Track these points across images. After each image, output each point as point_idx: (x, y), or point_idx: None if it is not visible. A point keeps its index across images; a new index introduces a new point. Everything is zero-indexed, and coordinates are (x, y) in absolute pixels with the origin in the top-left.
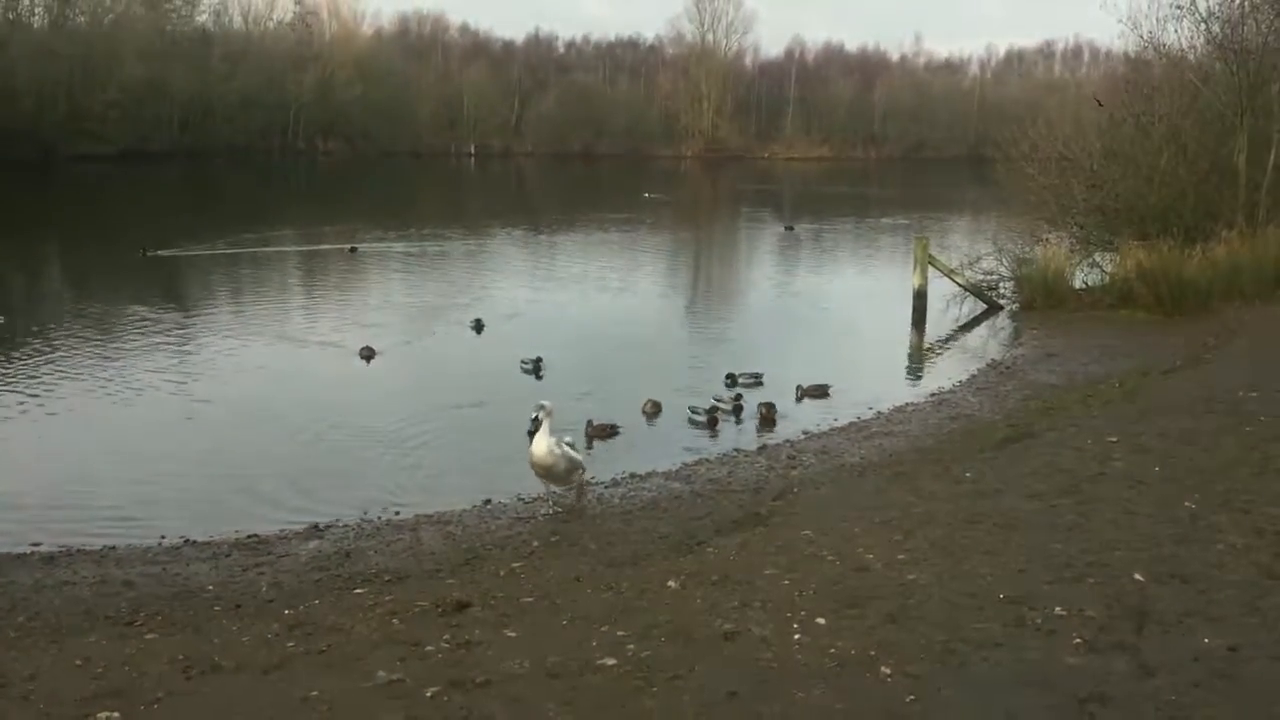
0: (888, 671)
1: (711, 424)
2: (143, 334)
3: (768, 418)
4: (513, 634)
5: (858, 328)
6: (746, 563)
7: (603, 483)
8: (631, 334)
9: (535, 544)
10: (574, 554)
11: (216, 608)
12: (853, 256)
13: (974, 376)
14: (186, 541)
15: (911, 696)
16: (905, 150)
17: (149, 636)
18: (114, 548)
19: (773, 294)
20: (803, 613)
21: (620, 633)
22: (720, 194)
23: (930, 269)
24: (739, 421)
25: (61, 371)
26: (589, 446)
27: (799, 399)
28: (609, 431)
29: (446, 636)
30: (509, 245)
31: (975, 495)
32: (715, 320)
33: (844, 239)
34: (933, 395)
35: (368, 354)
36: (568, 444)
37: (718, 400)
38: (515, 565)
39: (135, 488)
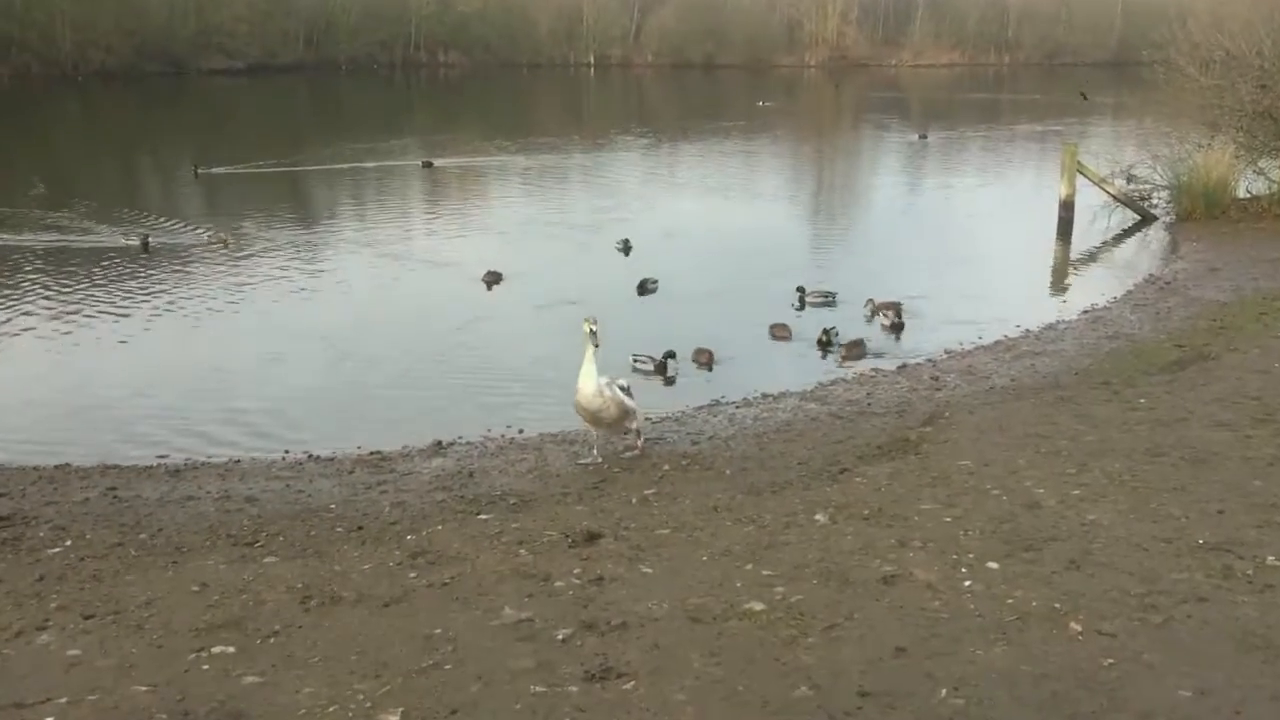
0: (1077, 628)
1: (661, 371)
2: (271, 248)
3: (897, 324)
4: (648, 570)
5: (997, 240)
6: (900, 495)
7: (734, 402)
8: (760, 247)
9: (666, 468)
10: (708, 479)
11: (338, 529)
12: (989, 166)
13: (1130, 292)
14: (310, 457)
15: (1109, 660)
16: (1042, 56)
17: (268, 560)
18: (238, 461)
19: (905, 205)
20: (970, 555)
21: (766, 572)
22: (845, 103)
23: (1078, 178)
24: (825, 353)
25: (195, 283)
26: (707, 367)
27: (870, 317)
28: (707, 358)
29: (577, 571)
30: (630, 157)
31: (1154, 424)
32: (849, 235)
33: (979, 148)
34: (1085, 312)
35: (492, 279)
36: (620, 387)
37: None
38: (647, 492)
39: (262, 401)
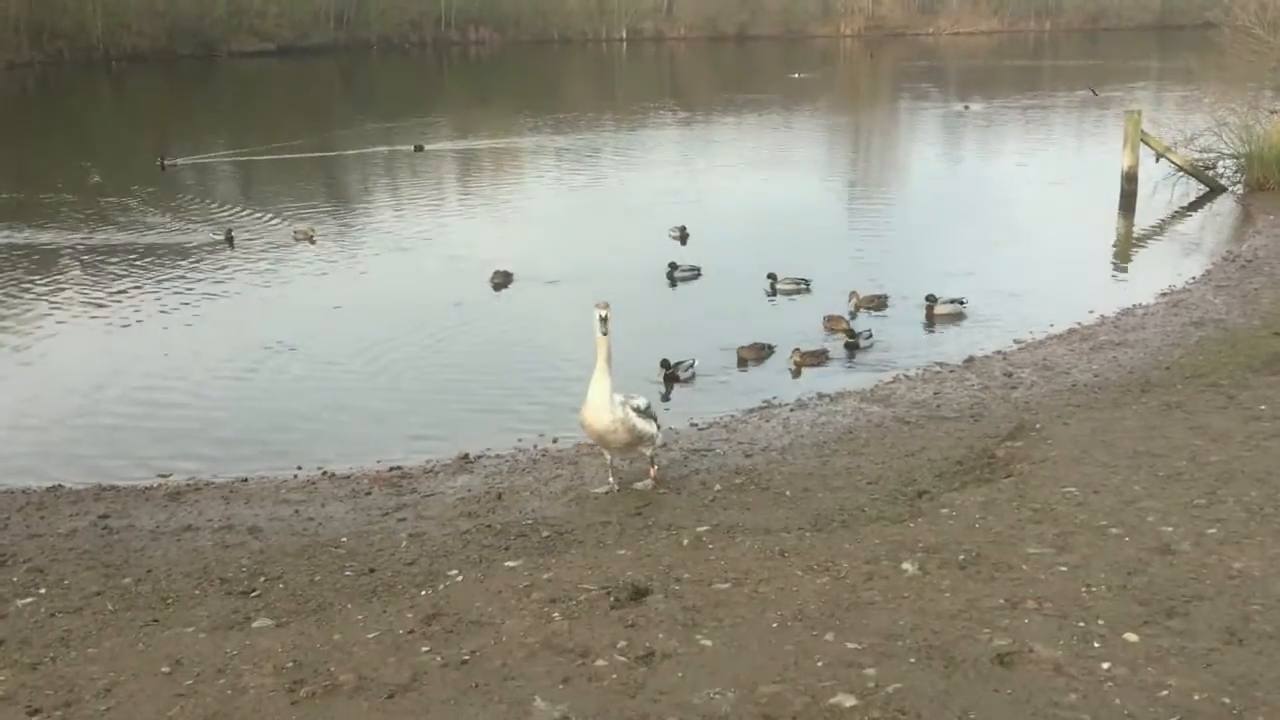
0: None
1: (672, 381)
2: (279, 240)
3: (931, 313)
4: (707, 641)
5: (1055, 216)
6: (999, 534)
7: (787, 404)
8: (806, 231)
9: (717, 487)
10: (766, 504)
11: (347, 571)
12: (1038, 136)
13: (1209, 272)
14: (324, 474)
15: None
16: (1084, 20)
17: (259, 624)
18: (245, 481)
19: (953, 180)
20: (1100, 622)
21: (851, 644)
22: (882, 72)
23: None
24: (852, 355)
25: (207, 280)
26: (795, 375)
27: (854, 312)
28: (763, 352)
29: (622, 643)
30: (666, 135)
31: None
32: (897, 214)
33: (1027, 117)
34: (1164, 295)
35: (501, 280)
36: (637, 408)
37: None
38: (699, 529)
39: (277, 412)
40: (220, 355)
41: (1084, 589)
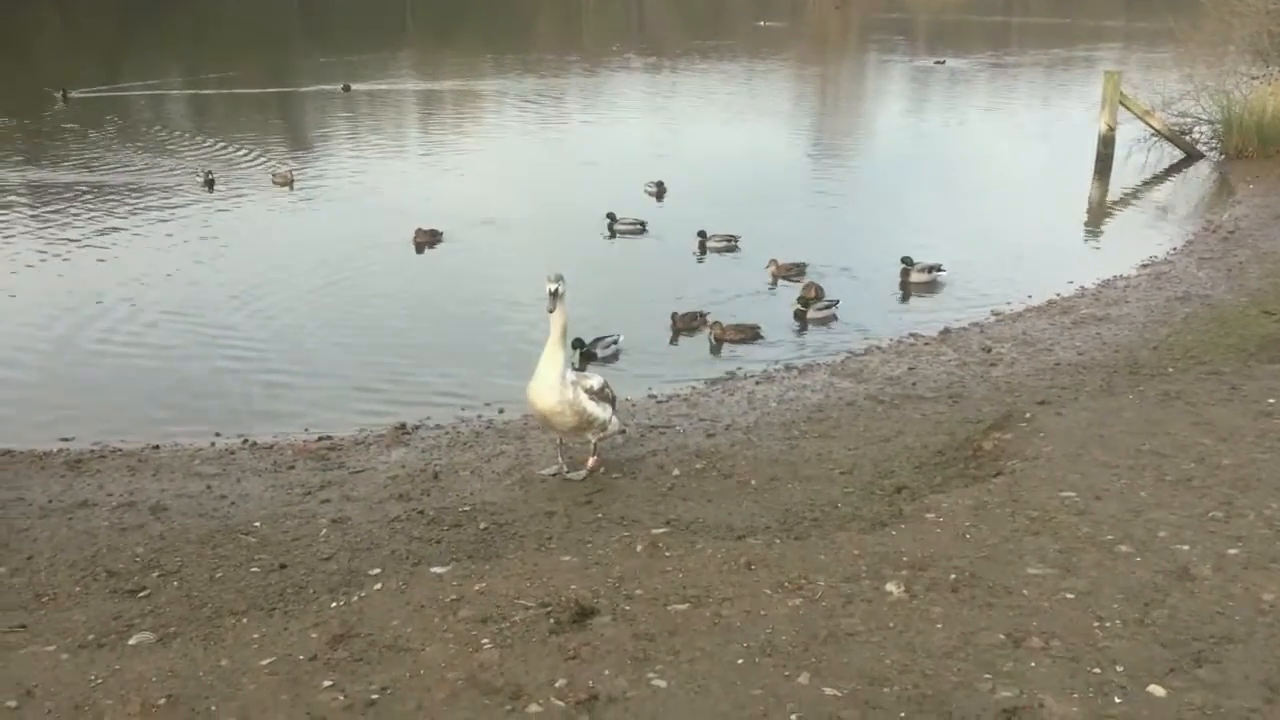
0: None
1: (587, 360)
2: (247, 187)
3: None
4: (660, 682)
5: (1030, 179)
6: (994, 548)
7: (753, 376)
8: (775, 188)
9: (676, 472)
10: (730, 495)
11: (253, 568)
12: (1011, 94)
13: (1191, 242)
14: (245, 443)
15: None
16: None
17: (137, 639)
18: (157, 448)
19: (926, 139)
20: (1118, 668)
21: (829, 690)
22: (850, 23)
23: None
24: (803, 327)
25: (144, 225)
26: (714, 350)
27: (773, 283)
28: (748, 334)
29: (561, 682)
30: (633, 81)
31: None
32: (867, 173)
33: (1002, 75)
34: (1145, 266)
35: (426, 240)
36: (590, 389)
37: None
38: (656, 533)
39: (199, 372)
40: (149, 306)
41: (1096, 623)
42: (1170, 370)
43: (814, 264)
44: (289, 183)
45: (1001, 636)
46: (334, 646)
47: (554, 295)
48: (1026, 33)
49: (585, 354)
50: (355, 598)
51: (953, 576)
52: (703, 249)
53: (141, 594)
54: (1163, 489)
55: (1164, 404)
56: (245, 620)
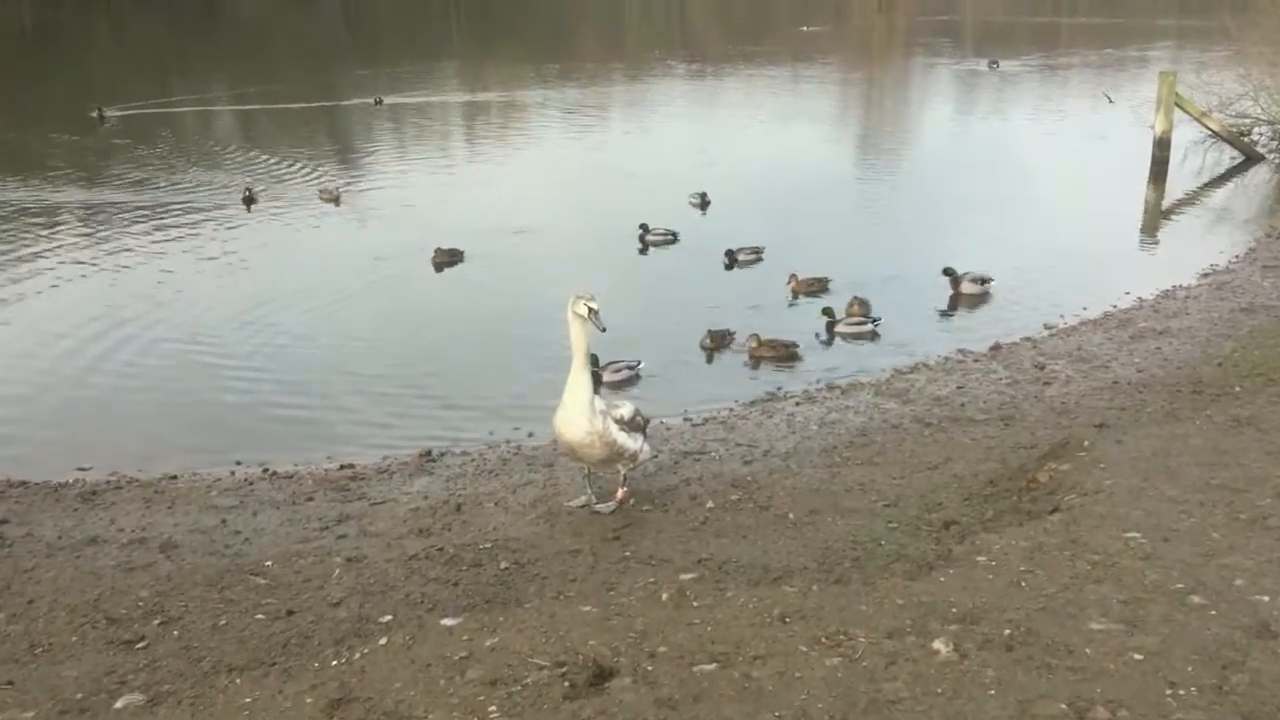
0: None
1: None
2: (286, 205)
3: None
4: None
5: (1083, 185)
6: (1051, 598)
7: (793, 396)
8: (826, 200)
9: (710, 505)
10: (766, 530)
11: (258, 614)
12: (1061, 97)
13: (1253, 250)
14: (265, 472)
15: None
16: None
17: (123, 704)
18: (175, 478)
19: (974, 144)
20: None
21: None
22: (895, 26)
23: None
24: (830, 340)
25: (177, 246)
26: (753, 365)
27: (793, 298)
28: (783, 351)
29: None
30: (676, 89)
31: None
32: (917, 180)
33: (1046, 76)
34: (1205, 275)
35: (444, 259)
36: (621, 419)
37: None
38: (684, 579)
39: (217, 394)
40: (173, 329)
41: (1168, 690)
42: (1238, 389)
43: (856, 276)
44: (336, 199)
45: (1063, 706)
46: (330, 714)
47: (595, 313)
48: (1076, 32)
49: (593, 374)
50: (358, 654)
51: (1007, 632)
52: (644, 245)
53: (139, 645)
54: (1236, 529)
55: (1234, 430)
56: (240, 680)
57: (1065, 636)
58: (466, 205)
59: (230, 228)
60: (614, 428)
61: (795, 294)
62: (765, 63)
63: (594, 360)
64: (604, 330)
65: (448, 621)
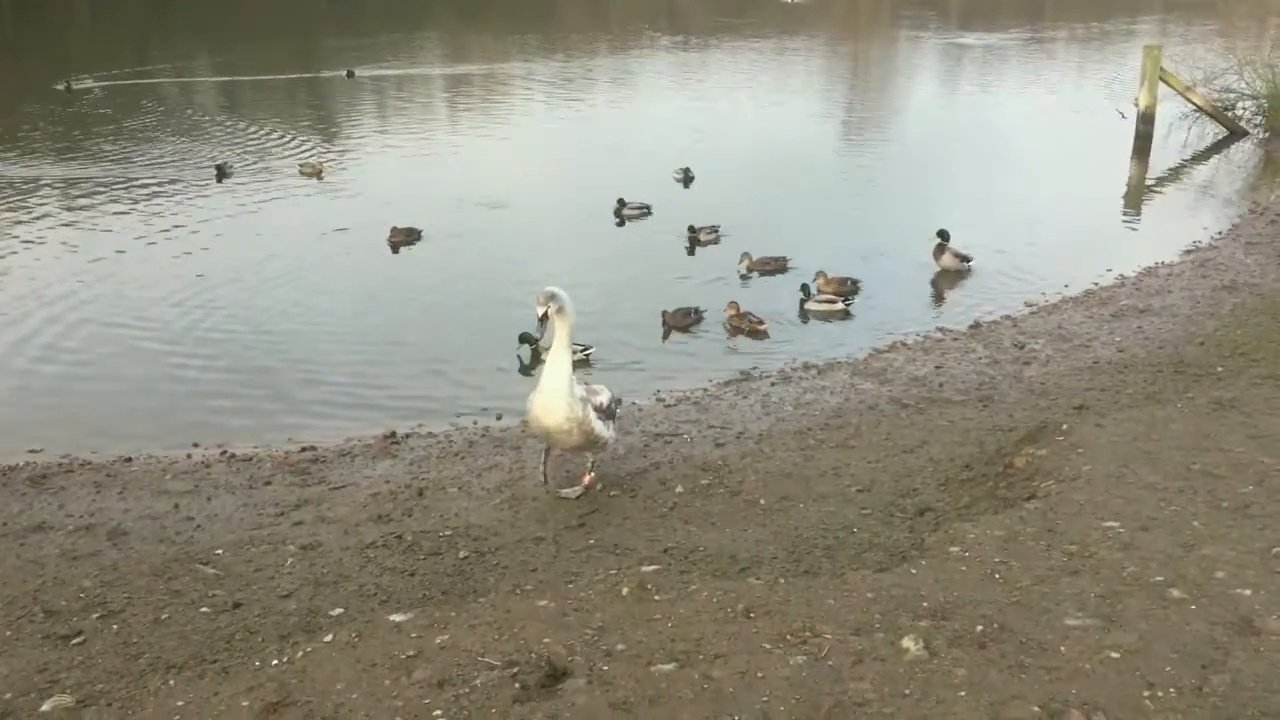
0: None
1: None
2: (263, 177)
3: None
4: None
5: (1065, 160)
6: (1025, 591)
7: (769, 376)
8: (807, 173)
9: (679, 489)
10: (735, 516)
11: (204, 608)
12: (1044, 71)
13: (1236, 226)
14: (222, 454)
15: None
16: None
17: (51, 705)
18: (129, 461)
19: (955, 119)
20: None
21: None
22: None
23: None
24: (805, 318)
25: (141, 220)
26: (730, 334)
27: (745, 275)
28: (755, 326)
29: None
30: (662, 65)
31: None
32: (896, 152)
33: (1029, 51)
34: (1188, 252)
35: (401, 239)
36: (599, 406)
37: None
38: (646, 571)
39: (175, 373)
40: (132, 309)
41: (1146, 691)
42: (1220, 370)
43: (837, 252)
44: (318, 173)
45: (1036, 709)
46: (269, 713)
47: (542, 320)
48: (1063, 6)
49: (535, 352)
50: (301, 653)
51: (979, 628)
52: (621, 218)
53: (76, 640)
54: (1218, 518)
55: (1216, 413)
56: (174, 681)
57: (1040, 633)
58: (449, 178)
59: (207, 202)
60: (593, 416)
61: (750, 270)
62: (751, 35)
63: (531, 337)
64: (538, 339)
65: (397, 617)
